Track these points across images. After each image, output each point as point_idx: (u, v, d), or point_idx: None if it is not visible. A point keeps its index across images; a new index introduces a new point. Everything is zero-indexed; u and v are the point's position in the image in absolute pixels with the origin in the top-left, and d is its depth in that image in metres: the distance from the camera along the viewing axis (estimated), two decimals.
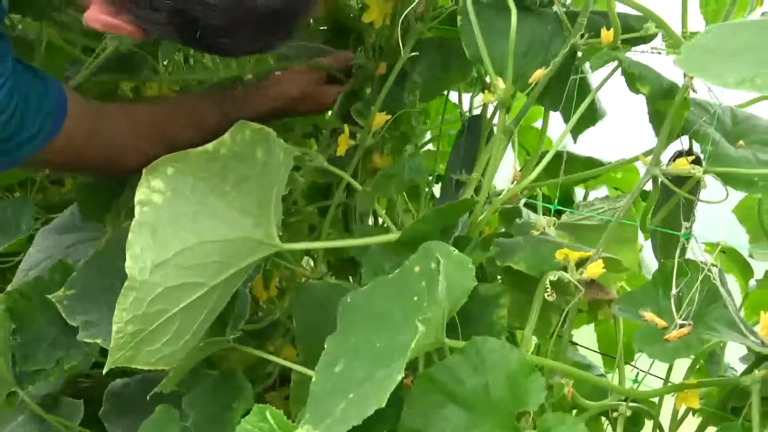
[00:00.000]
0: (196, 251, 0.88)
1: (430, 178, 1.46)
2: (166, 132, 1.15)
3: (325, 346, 0.84)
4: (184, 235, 0.88)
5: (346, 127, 1.20)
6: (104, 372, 0.89)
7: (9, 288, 1.24)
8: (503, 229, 1.17)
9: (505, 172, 1.15)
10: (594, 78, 1.23)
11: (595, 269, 0.91)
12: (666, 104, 0.96)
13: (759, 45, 0.56)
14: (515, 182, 1.06)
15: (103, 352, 1.01)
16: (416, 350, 0.74)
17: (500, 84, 0.97)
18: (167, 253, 0.86)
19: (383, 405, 0.69)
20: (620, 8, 1.01)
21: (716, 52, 0.58)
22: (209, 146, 0.90)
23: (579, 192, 1.48)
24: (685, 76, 0.95)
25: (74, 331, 1.08)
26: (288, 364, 1.06)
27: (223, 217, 0.90)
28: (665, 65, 1.02)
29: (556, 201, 1.24)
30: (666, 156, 1.02)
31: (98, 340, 1.06)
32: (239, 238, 0.92)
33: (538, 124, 1.57)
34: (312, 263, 1.33)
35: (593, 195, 1.46)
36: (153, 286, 0.86)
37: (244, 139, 0.92)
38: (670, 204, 1.03)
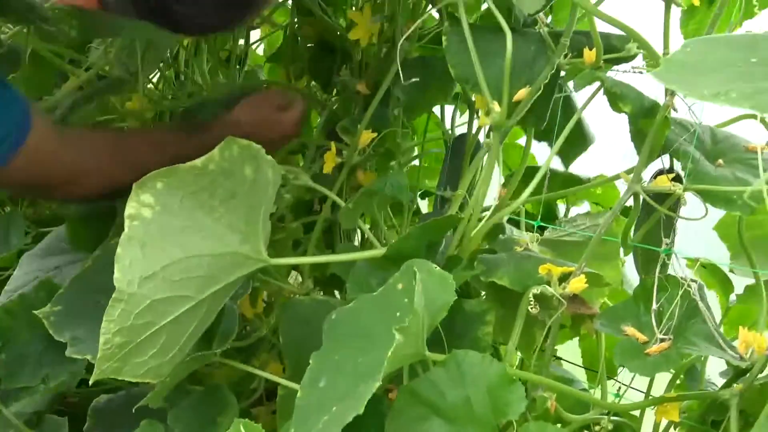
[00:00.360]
0: (184, 265, 0.89)
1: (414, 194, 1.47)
2: (128, 156, 1.15)
3: (310, 362, 0.84)
4: (173, 249, 0.88)
5: (333, 145, 1.21)
6: (90, 383, 0.89)
7: None
8: (487, 245, 1.18)
9: (487, 189, 1.17)
10: (578, 98, 1.25)
11: (577, 284, 0.92)
12: (647, 123, 0.98)
13: (735, 61, 0.58)
14: (500, 198, 1.07)
15: (90, 369, 1.00)
16: (395, 359, 0.74)
17: (495, 107, 0.98)
18: (155, 266, 0.87)
19: (361, 412, 0.70)
20: (602, 27, 1.02)
21: (694, 67, 0.59)
22: (198, 162, 0.90)
23: (561, 207, 1.49)
24: (666, 95, 0.97)
25: (60, 348, 1.07)
26: (275, 378, 1.06)
27: (211, 233, 0.91)
28: (646, 84, 1.04)
29: (539, 217, 1.25)
30: (647, 174, 1.04)
31: (87, 356, 1.04)
32: (227, 253, 0.92)
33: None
34: (299, 279, 1.33)
35: (575, 210, 1.47)
36: (141, 298, 0.86)
37: (232, 156, 0.92)
38: (651, 221, 1.04)
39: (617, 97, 0.97)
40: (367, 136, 1.21)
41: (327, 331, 0.87)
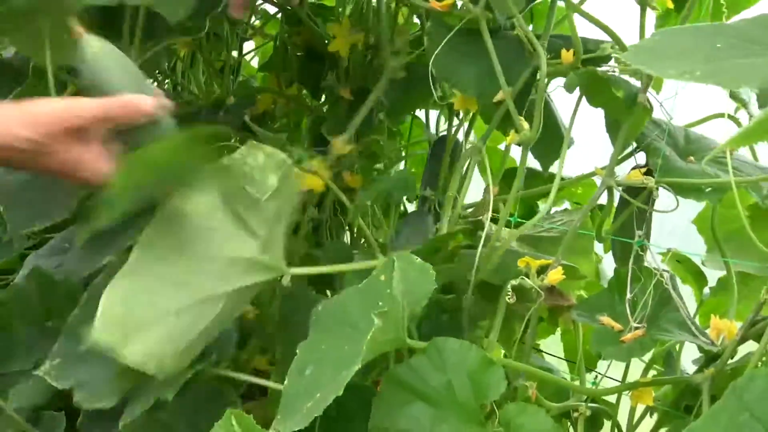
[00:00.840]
0: (197, 263, 0.88)
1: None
2: None
3: (297, 352, 0.84)
4: (192, 246, 0.88)
5: (317, 161, 1.19)
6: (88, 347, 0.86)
7: None
8: (468, 242, 1.17)
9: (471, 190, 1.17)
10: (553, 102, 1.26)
11: (555, 275, 0.92)
12: (633, 110, 0.97)
13: (700, 46, 0.58)
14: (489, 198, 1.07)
15: None
16: (374, 344, 0.74)
17: (525, 126, 0.98)
18: (171, 254, 0.87)
19: (340, 393, 0.70)
20: (578, 32, 1.03)
21: (661, 52, 0.60)
22: (225, 161, 0.89)
23: (543, 207, 1.49)
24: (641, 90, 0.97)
25: (52, 336, 1.04)
26: (263, 382, 1.03)
27: (232, 236, 0.89)
28: None
29: (520, 216, 1.25)
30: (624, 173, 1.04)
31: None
32: (245, 259, 0.90)
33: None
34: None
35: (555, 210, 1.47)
36: (148, 276, 0.86)
37: (257, 163, 0.90)
38: (626, 214, 1.04)
39: (612, 83, 0.96)
40: (348, 147, 1.19)
41: (313, 323, 0.87)
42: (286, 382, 0.80)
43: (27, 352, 1.07)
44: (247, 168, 0.89)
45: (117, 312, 0.86)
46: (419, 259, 0.85)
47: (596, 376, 1.17)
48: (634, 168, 1.00)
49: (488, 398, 0.78)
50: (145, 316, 0.87)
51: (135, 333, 0.86)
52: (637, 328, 0.90)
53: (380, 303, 0.79)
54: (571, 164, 1.35)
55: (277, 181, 0.90)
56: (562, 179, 1.30)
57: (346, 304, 0.86)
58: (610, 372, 1.16)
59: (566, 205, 1.50)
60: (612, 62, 1.06)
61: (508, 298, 0.92)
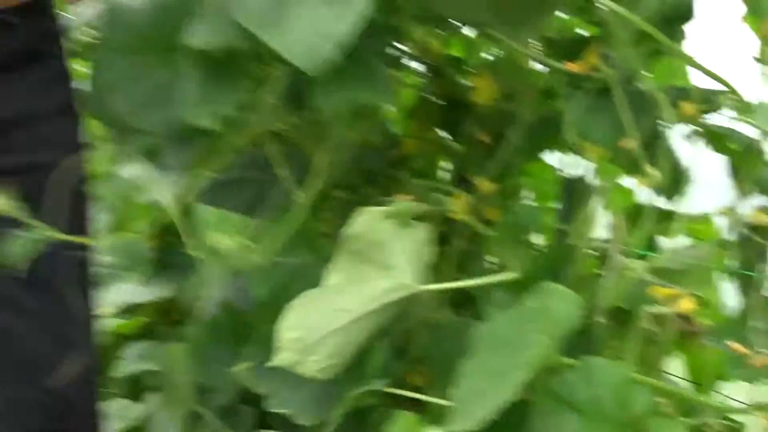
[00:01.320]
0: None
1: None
2: None
3: (462, 367, 0.93)
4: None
5: (463, 196, 1.31)
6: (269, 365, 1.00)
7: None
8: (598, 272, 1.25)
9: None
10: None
11: (687, 303, 0.99)
12: (747, 159, 1.04)
13: None
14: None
15: None
16: (536, 362, 0.84)
17: (655, 173, 1.05)
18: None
19: (511, 397, 0.81)
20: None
21: None
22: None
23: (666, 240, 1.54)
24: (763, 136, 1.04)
25: (238, 358, 1.19)
26: (429, 398, 1.11)
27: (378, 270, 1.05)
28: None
29: (643, 249, 1.31)
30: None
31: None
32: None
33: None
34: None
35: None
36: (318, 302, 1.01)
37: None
38: (748, 249, 1.10)
39: (725, 137, 1.04)
40: (487, 185, 1.31)
41: (472, 343, 0.95)
42: (455, 390, 0.90)
43: (218, 370, 1.22)
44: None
45: (294, 336, 1.00)
46: (563, 288, 0.94)
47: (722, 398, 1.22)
48: (757, 209, 1.07)
49: (632, 411, 0.86)
50: (317, 336, 1.01)
51: (309, 354, 1.00)
52: (761, 353, 0.96)
53: (536, 326, 0.89)
54: (688, 201, 1.41)
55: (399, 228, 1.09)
56: (682, 216, 1.37)
57: (500, 328, 0.96)
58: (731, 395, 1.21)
59: (683, 239, 1.56)
60: (727, 109, 1.13)
61: (646, 325, 0.99)
